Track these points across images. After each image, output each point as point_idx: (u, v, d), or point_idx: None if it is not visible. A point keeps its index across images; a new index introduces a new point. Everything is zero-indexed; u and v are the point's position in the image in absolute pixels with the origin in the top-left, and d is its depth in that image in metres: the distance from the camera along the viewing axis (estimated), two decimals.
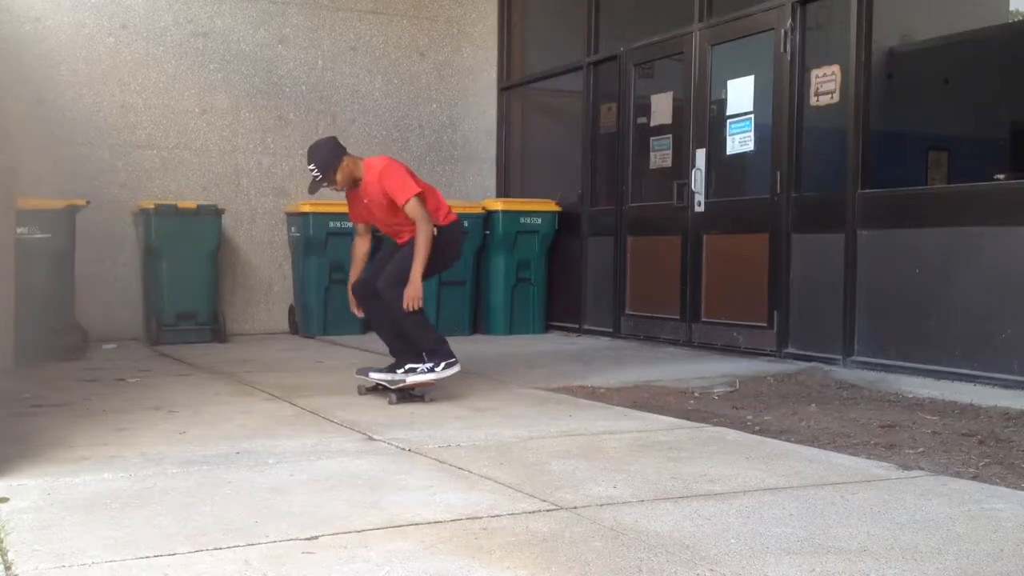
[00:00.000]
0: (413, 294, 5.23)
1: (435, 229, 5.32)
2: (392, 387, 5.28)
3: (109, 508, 3.14)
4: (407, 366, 5.35)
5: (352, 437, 4.35)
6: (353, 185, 5.45)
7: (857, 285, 6.49)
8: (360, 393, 5.49)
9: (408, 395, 5.31)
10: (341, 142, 5.50)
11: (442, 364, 5.30)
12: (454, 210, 5.66)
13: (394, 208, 5.33)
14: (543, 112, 11.01)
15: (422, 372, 5.31)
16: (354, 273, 5.68)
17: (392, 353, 5.59)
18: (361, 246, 5.71)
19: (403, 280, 5.25)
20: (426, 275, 5.32)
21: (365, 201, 5.45)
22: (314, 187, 5.40)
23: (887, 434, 4.58)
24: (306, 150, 5.49)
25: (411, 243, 5.34)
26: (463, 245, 5.84)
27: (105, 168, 8.87)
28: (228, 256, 9.26)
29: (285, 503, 3.22)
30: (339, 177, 5.36)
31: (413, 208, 5.26)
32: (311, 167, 5.33)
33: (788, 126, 7.00)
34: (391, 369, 5.42)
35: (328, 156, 5.34)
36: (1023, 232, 5.58)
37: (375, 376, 5.37)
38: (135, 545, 2.74)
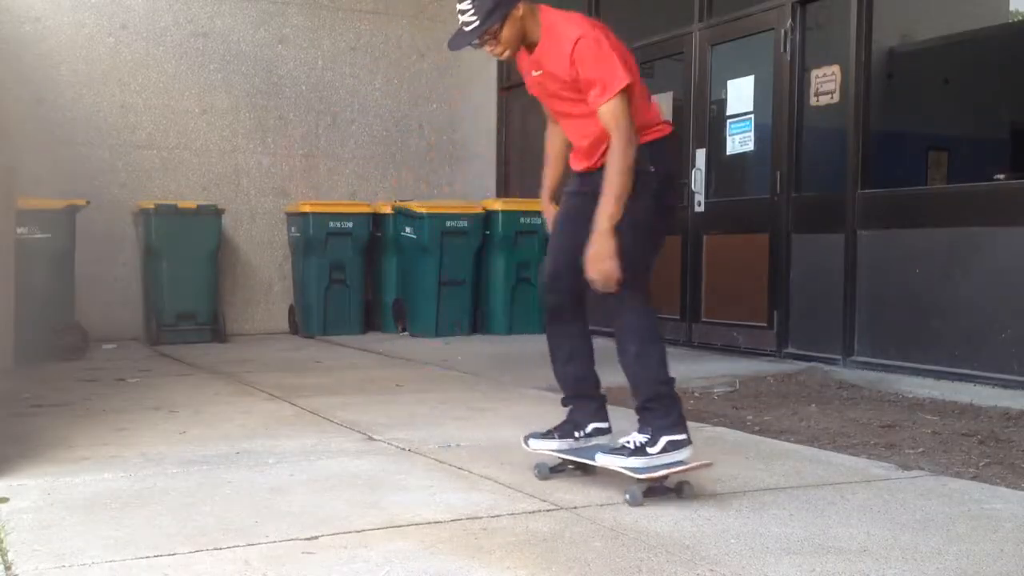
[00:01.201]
0: (599, 262, 3.25)
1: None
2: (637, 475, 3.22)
3: (109, 508, 3.14)
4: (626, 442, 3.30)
5: (352, 437, 4.35)
6: (524, 48, 3.49)
7: (857, 285, 6.49)
8: (541, 476, 3.57)
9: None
10: None
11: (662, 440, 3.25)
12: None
13: (580, 97, 3.39)
14: (543, 112, 10.98)
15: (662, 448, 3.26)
16: (548, 179, 3.89)
17: (571, 397, 3.68)
18: (555, 139, 3.89)
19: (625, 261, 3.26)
20: (648, 245, 3.44)
21: (534, 74, 3.52)
22: (457, 41, 3.39)
23: (887, 434, 4.58)
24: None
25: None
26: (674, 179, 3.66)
27: (105, 168, 8.87)
28: (228, 256, 9.26)
29: (285, 503, 3.21)
30: (506, 33, 3.37)
31: (609, 112, 3.28)
32: (466, 7, 3.30)
33: (788, 126, 7.00)
34: (567, 433, 3.55)
35: None
36: (1023, 232, 5.58)
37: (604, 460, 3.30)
38: (135, 545, 2.74)
